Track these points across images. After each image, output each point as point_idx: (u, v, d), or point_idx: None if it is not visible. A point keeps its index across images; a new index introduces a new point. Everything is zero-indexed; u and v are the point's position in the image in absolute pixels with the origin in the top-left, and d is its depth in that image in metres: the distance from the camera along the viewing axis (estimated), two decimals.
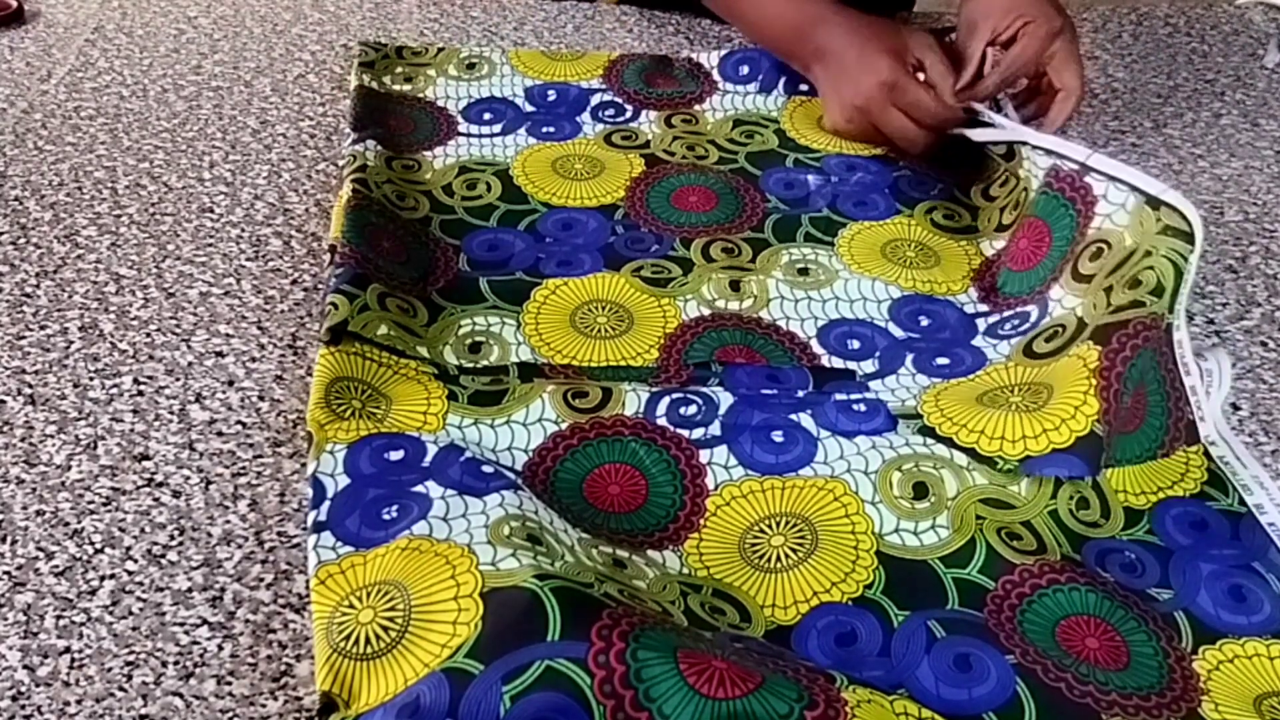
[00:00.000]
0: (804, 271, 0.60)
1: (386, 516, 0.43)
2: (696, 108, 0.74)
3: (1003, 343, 0.55)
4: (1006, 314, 0.57)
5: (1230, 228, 0.67)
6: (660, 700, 0.35)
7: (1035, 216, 0.59)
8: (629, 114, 0.73)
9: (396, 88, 0.74)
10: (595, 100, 0.74)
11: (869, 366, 0.55)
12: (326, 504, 0.44)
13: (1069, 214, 0.57)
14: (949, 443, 0.49)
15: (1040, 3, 0.69)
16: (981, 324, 0.57)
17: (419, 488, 0.44)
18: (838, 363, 0.55)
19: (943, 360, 0.55)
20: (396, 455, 0.46)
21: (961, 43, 0.70)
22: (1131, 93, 0.81)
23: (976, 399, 0.51)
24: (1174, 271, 0.50)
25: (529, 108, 0.73)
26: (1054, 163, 0.59)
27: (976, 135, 0.66)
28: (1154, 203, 0.53)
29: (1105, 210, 0.55)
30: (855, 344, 0.56)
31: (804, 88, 0.76)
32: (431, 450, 0.46)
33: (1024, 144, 0.63)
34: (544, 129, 0.71)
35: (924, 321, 0.57)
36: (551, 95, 0.74)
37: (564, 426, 0.49)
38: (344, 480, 0.44)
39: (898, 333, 0.57)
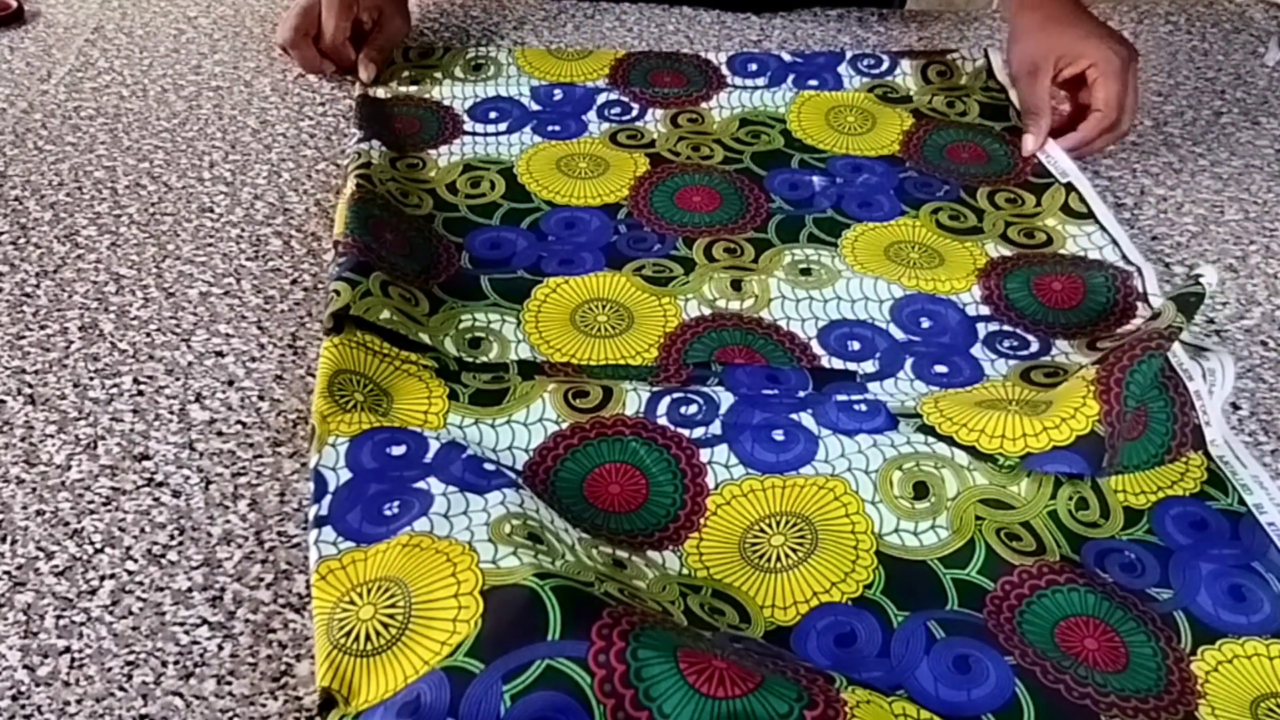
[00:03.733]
0: (806, 272, 0.60)
1: (388, 512, 0.43)
2: (703, 106, 0.74)
3: (1000, 360, 0.55)
4: (1006, 328, 0.57)
5: (1230, 226, 0.67)
6: (660, 699, 0.35)
7: (1079, 277, 0.60)
8: (635, 113, 0.73)
9: (402, 89, 0.74)
10: (601, 99, 0.74)
11: (869, 367, 0.54)
12: (328, 498, 0.44)
13: (1106, 303, 0.58)
14: (949, 441, 0.49)
15: (1097, 38, 0.69)
16: (981, 330, 0.57)
17: (420, 484, 0.44)
18: (838, 364, 0.55)
19: (941, 368, 0.55)
20: (398, 450, 0.46)
21: (1022, 89, 0.70)
22: None
23: (976, 403, 0.51)
24: (1174, 305, 0.51)
25: (535, 107, 0.73)
26: (1132, 272, 0.60)
27: (1050, 150, 0.67)
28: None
29: (1136, 324, 0.57)
30: (855, 345, 0.56)
31: (812, 84, 0.76)
32: (433, 446, 0.46)
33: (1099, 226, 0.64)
34: (549, 128, 0.71)
35: (925, 323, 0.57)
36: (557, 94, 0.74)
37: (564, 426, 0.49)
38: (345, 474, 0.44)
39: (898, 334, 0.57)
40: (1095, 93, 0.68)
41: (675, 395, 0.51)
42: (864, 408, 0.51)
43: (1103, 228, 0.64)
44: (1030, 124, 0.69)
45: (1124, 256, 0.62)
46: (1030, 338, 0.57)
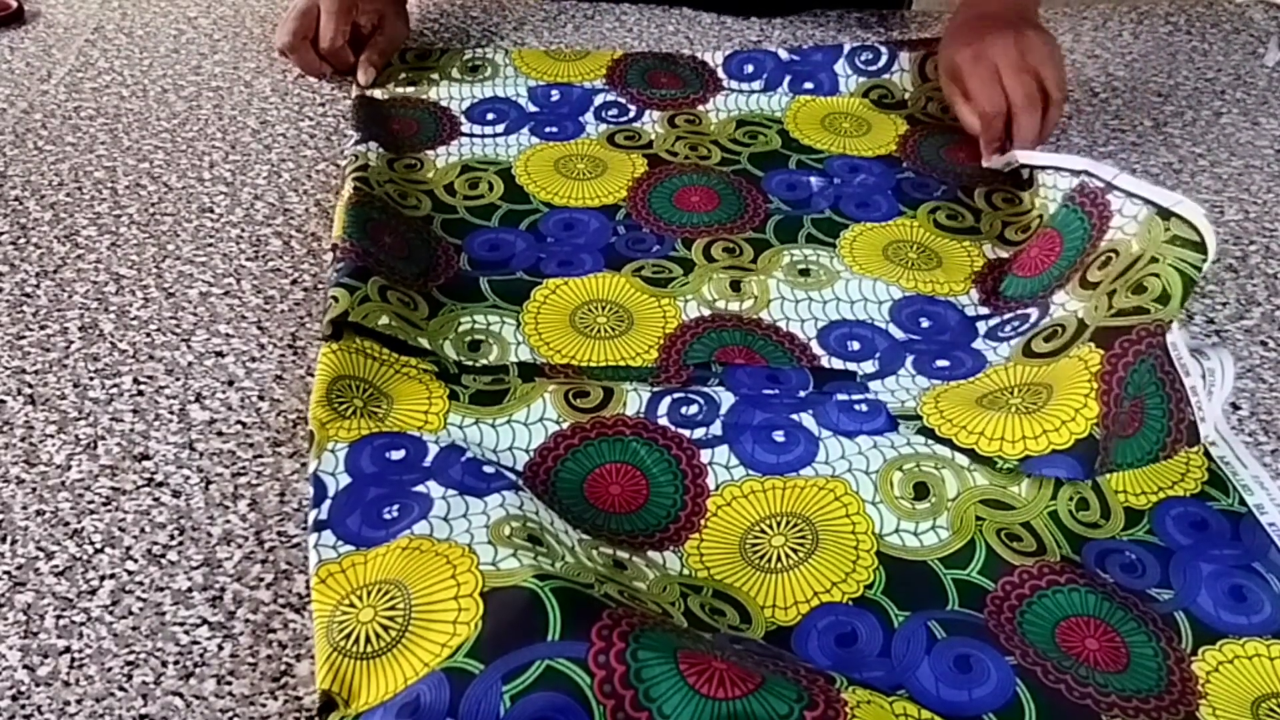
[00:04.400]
0: (805, 272, 0.60)
1: (387, 516, 0.43)
2: (700, 108, 0.74)
3: (1003, 345, 0.55)
4: (1007, 316, 0.57)
5: (1230, 227, 0.67)
6: (660, 700, 0.35)
7: (1050, 228, 0.59)
8: (632, 114, 0.73)
9: (399, 91, 0.74)
10: (598, 100, 0.74)
11: (869, 367, 0.54)
12: (327, 502, 0.44)
13: (1083, 226, 0.57)
14: (949, 444, 0.49)
15: (994, 36, 0.68)
16: (982, 327, 0.57)
17: (420, 487, 0.44)
18: (837, 364, 0.55)
19: (942, 362, 0.55)
20: (398, 455, 0.46)
21: (953, 109, 0.71)
22: (1131, 91, 0.81)
23: (976, 401, 0.51)
24: (1180, 280, 0.50)
25: (532, 108, 0.73)
26: (1081, 180, 0.59)
27: (1024, 157, 0.66)
28: (1164, 213, 0.53)
29: (1118, 223, 0.55)
30: (855, 345, 0.56)
31: (808, 87, 0.76)
32: (433, 450, 0.46)
33: (1045, 169, 0.63)
34: (547, 129, 0.71)
35: (924, 323, 0.57)
36: (555, 95, 0.74)
37: (565, 426, 0.49)
38: (345, 479, 0.44)
39: (898, 334, 0.57)
40: (1011, 96, 0.67)
41: (676, 395, 0.51)
42: (864, 408, 0.51)
43: (1038, 164, 0.63)
44: (982, 141, 0.69)
45: (1073, 171, 0.60)
46: (1029, 310, 0.56)
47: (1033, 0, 0.74)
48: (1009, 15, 0.70)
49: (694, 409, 0.51)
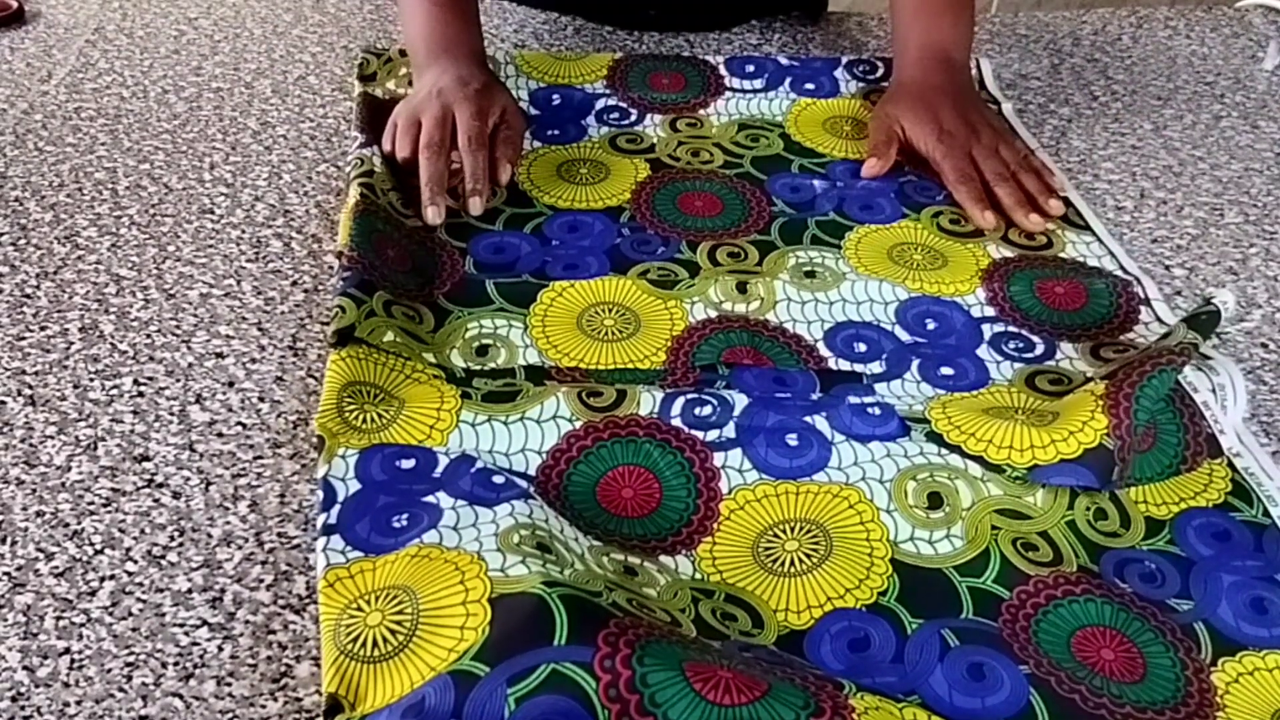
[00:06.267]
0: (811, 274, 0.60)
1: (396, 524, 0.43)
2: (701, 112, 0.74)
3: (1005, 362, 0.55)
4: (1012, 329, 0.57)
5: (1230, 229, 0.67)
6: (666, 705, 0.35)
7: (1081, 284, 0.60)
8: (633, 118, 0.73)
9: (402, 91, 0.74)
10: (600, 104, 0.74)
11: (876, 368, 0.54)
12: (337, 508, 0.43)
13: (1110, 309, 0.59)
14: (959, 451, 0.49)
15: (948, 119, 0.67)
16: (987, 331, 0.57)
17: (430, 498, 0.44)
18: (844, 365, 0.54)
19: (947, 370, 0.54)
20: (408, 464, 0.45)
21: (874, 140, 0.69)
22: (1131, 95, 0.81)
23: (984, 410, 0.51)
24: (1185, 325, 0.51)
25: (534, 111, 0.73)
26: (1129, 280, 0.60)
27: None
28: (1189, 320, 0.53)
29: (1141, 332, 0.57)
30: (862, 346, 0.56)
31: (809, 88, 0.76)
32: (443, 461, 0.45)
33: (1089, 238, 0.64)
34: (548, 132, 0.71)
35: (930, 325, 0.57)
36: (556, 99, 0.74)
37: (578, 425, 0.49)
38: (355, 485, 0.44)
39: (904, 336, 0.56)
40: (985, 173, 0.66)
41: (689, 396, 0.51)
42: (877, 411, 0.51)
43: (1100, 241, 0.64)
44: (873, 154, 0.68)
45: (1122, 268, 0.62)
46: (1035, 339, 0.57)
47: (969, 77, 0.73)
48: (956, 93, 0.70)
49: (707, 410, 0.50)
